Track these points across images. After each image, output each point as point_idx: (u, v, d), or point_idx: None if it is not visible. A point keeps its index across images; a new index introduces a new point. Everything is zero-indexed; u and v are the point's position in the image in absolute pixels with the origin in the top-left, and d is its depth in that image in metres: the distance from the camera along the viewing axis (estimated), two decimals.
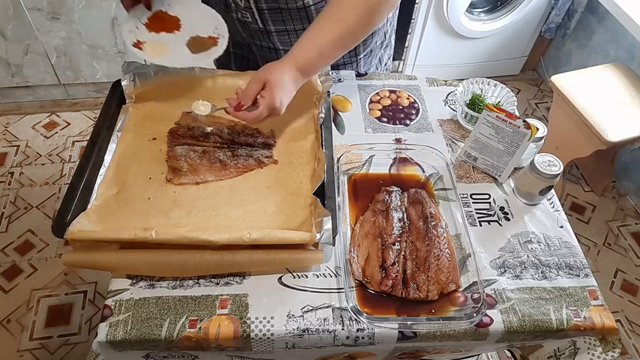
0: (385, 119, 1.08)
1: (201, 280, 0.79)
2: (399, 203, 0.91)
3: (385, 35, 1.17)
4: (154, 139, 0.95)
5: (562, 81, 1.87)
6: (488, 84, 1.07)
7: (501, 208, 0.94)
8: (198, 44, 0.98)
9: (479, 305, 0.76)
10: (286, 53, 0.86)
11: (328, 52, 0.87)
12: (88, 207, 0.81)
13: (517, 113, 1.00)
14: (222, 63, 1.22)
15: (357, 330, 0.75)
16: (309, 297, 0.78)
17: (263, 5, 0.96)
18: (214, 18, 1.00)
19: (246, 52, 1.15)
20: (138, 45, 0.93)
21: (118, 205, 0.83)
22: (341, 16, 0.85)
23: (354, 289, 0.80)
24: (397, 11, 1.15)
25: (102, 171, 0.87)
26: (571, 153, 1.88)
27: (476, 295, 0.79)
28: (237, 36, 1.11)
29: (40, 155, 2.12)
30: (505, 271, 0.84)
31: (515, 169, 0.99)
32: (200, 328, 0.74)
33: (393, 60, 2.52)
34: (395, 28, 1.19)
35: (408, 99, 1.13)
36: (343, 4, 0.85)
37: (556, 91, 1.87)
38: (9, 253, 1.78)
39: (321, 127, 0.95)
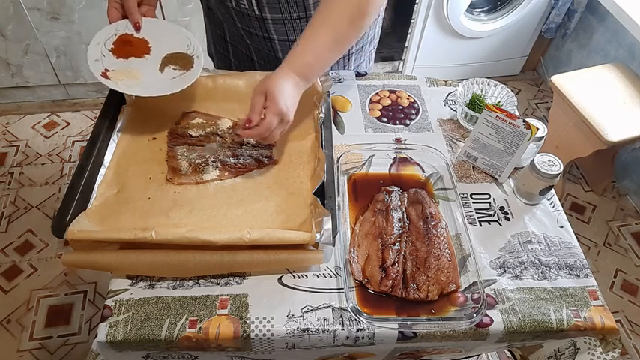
0: (385, 119, 1.08)
1: (201, 280, 0.79)
2: (399, 203, 0.91)
3: (375, 32, 1.18)
4: (154, 139, 0.95)
5: (562, 81, 1.87)
6: (488, 84, 1.07)
7: (501, 208, 0.94)
8: (176, 60, 0.94)
9: (479, 305, 0.76)
10: (278, 58, 0.87)
11: (324, 56, 0.88)
12: (88, 207, 0.81)
13: (517, 113, 1.00)
14: (220, 53, 1.22)
15: (357, 330, 0.75)
16: (309, 297, 0.78)
17: None
18: (185, 37, 0.96)
19: (241, 46, 1.15)
20: (106, 74, 0.87)
21: (118, 205, 0.83)
22: (333, 21, 0.86)
23: (354, 289, 0.80)
24: (382, 14, 1.16)
25: (102, 171, 0.87)
26: (571, 153, 1.88)
27: (476, 295, 0.79)
28: (232, 27, 1.11)
29: (40, 155, 2.12)
30: (505, 271, 0.84)
31: (515, 169, 0.99)
32: (200, 328, 0.74)
33: (393, 60, 2.54)
34: (381, 27, 1.20)
35: (408, 99, 1.13)
36: (334, 8, 0.86)
37: (556, 91, 1.87)
38: (9, 253, 1.78)
39: (321, 127, 0.95)
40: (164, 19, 2.00)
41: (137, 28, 0.93)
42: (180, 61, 0.94)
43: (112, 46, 0.91)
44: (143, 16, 0.94)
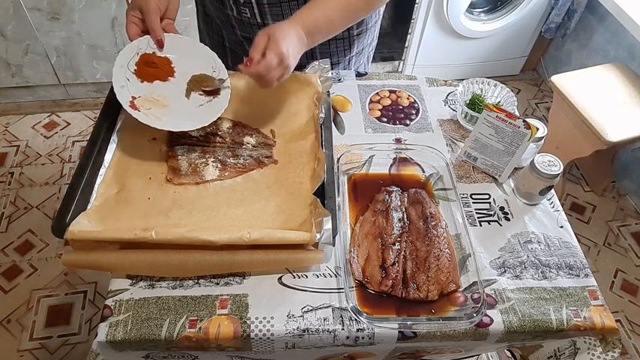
0: (385, 119, 1.08)
1: (201, 280, 0.79)
2: (399, 203, 0.91)
3: (374, 34, 1.18)
4: (154, 139, 0.95)
5: (562, 81, 1.87)
6: (488, 84, 1.07)
7: (501, 208, 0.94)
8: (201, 83, 0.91)
9: (479, 305, 0.76)
10: None
11: (333, 19, 0.90)
12: (88, 207, 0.81)
13: (517, 113, 1.00)
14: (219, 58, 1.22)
15: (357, 330, 0.75)
16: (309, 297, 0.78)
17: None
18: (209, 57, 0.93)
19: (240, 51, 1.15)
20: (133, 105, 0.84)
21: (118, 205, 0.83)
22: None
23: (354, 289, 0.80)
24: (381, 16, 1.16)
25: (102, 171, 0.87)
26: (571, 153, 1.88)
27: (476, 295, 0.79)
28: (231, 33, 1.11)
29: (40, 155, 2.12)
30: (505, 271, 0.84)
31: (515, 169, 0.99)
32: (200, 328, 0.74)
33: (393, 60, 2.54)
34: (379, 31, 1.21)
35: (408, 99, 1.13)
36: None
37: (556, 91, 1.87)
38: (9, 253, 1.78)
39: (321, 127, 0.95)
40: None
41: (160, 45, 0.90)
42: (206, 84, 0.92)
43: (135, 68, 0.88)
44: (164, 31, 0.90)
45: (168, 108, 0.88)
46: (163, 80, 0.91)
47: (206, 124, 0.88)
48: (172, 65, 0.92)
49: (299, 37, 0.85)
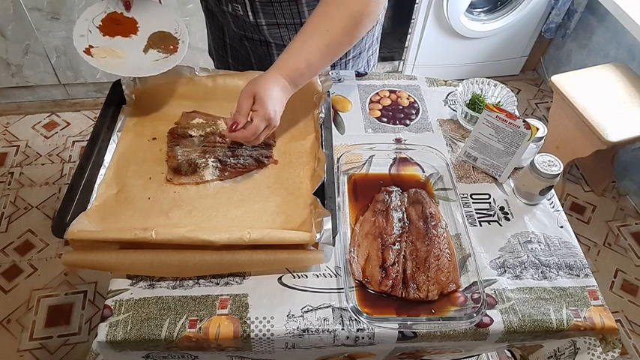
0: (385, 119, 1.08)
1: (201, 280, 0.79)
2: (399, 203, 0.91)
3: (373, 38, 1.18)
4: (154, 139, 0.95)
5: (562, 81, 1.87)
6: (488, 84, 1.07)
7: (501, 208, 0.94)
8: (161, 40, 0.93)
9: (479, 305, 0.76)
10: (274, 62, 0.85)
11: (315, 62, 0.87)
12: (88, 207, 0.81)
13: (517, 113, 1.00)
14: (219, 55, 1.22)
15: (357, 330, 0.75)
16: (309, 297, 0.78)
17: None
18: (174, 21, 0.95)
19: (240, 48, 1.15)
20: (89, 51, 0.86)
21: (118, 205, 0.83)
22: (326, 27, 0.85)
23: (354, 289, 0.80)
24: (381, 21, 1.16)
25: (102, 171, 0.87)
26: (571, 153, 1.88)
27: (476, 295, 0.79)
28: (230, 30, 1.11)
29: (40, 155, 2.12)
30: (505, 271, 0.84)
31: (515, 169, 0.99)
32: (200, 328, 0.74)
33: (393, 60, 2.54)
34: (380, 33, 1.20)
35: (408, 99, 1.13)
36: (328, 15, 0.85)
37: (556, 91, 1.87)
38: (9, 253, 1.78)
39: (321, 127, 0.95)
40: None
41: (127, 7, 0.93)
42: (165, 42, 0.93)
43: (100, 24, 0.91)
44: None
45: (123, 59, 0.90)
46: (125, 36, 0.92)
47: (156, 74, 0.89)
48: (137, 25, 0.94)
49: (283, 89, 0.83)
